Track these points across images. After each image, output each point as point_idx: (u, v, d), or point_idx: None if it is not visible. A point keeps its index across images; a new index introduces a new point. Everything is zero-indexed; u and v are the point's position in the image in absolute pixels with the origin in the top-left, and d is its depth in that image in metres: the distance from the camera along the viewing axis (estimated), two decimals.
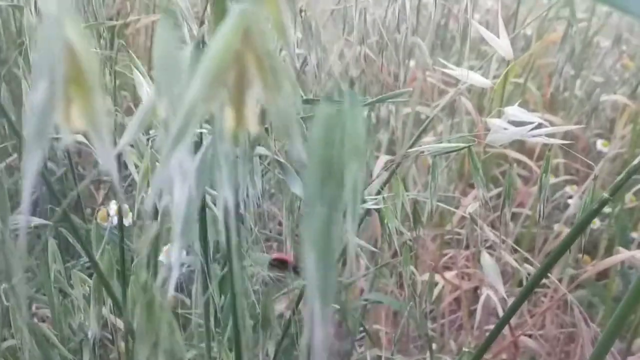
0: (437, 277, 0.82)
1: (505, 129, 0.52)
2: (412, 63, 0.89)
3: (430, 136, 0.90)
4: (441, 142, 0.53)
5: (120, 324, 0.57)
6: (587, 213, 0.38)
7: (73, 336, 0.52)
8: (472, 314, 0.98)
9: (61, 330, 0.50)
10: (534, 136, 0.53)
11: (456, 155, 0.97)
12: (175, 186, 0.15)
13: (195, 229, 0.18)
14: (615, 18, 1.57)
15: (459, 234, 0.88)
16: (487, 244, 0.59)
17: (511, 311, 0.50)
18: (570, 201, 1.24)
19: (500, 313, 0.62)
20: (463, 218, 1.00)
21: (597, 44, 1.58)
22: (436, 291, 0.87)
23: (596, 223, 1.27)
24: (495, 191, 0.97)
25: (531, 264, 0.69)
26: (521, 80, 1.10)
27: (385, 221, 0.42)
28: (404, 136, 0.82)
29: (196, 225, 0.17)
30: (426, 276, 0.81)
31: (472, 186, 1.12)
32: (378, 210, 0.43)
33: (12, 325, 0.46)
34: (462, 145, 0.43)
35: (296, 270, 0.57)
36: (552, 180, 1.15)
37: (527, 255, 0.77)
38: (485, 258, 0.54)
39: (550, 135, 0.54)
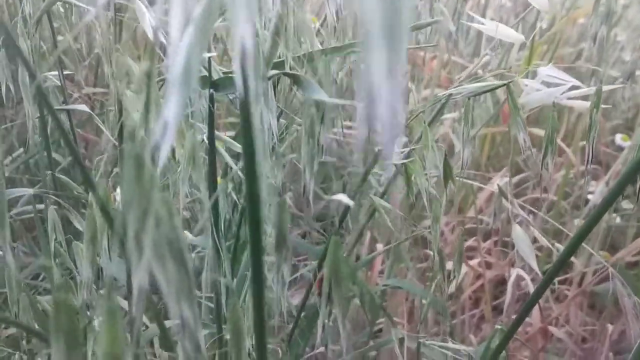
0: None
1: (538, 90, 0.48)
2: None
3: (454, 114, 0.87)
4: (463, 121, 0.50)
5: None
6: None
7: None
8: (494, 308, 0.94)
9: None
10: (568, 98, 0.49)
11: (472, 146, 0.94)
12: (172, 12, 0.12)
13: (195, 80, 0.14)
14: (632, 10, 1.53)
15: (480, 222, 0.84)
16: (517, 220, 0.56)
17: (545, 282, 0.46)
18: (590, 196, 1.20)
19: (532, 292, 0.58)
20: (485, 205, 0.96)
21: (614, 37, 1.55)
22: (456, 283, 0.83)
23: (616, 219, 1.23)
24: (517, 177, 0.93)
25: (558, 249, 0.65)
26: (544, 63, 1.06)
27: (413, 177, 0.38)
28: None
29: (197, 77, 0.14)
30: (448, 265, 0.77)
31: (488, 180, 1.08)
32: (404, 170, 0.39)
33: (9, 297, 0.43)
34: (499, 82, 0.39)
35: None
36: (574, 170, 1.11)
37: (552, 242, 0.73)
38: (517, 231, 0.51)
39: (585, 98, 0.51)
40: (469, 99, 0.38)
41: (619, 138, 1.40)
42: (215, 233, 0.49)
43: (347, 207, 0.45)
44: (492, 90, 0.39)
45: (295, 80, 0.30)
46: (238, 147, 0.36)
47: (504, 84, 0.39)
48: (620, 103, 1.39)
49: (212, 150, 0.33)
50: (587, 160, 0.40)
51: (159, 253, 0.16)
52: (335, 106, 0.32)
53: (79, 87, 1.14)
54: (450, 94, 0.39)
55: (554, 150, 0.40)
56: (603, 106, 0.49)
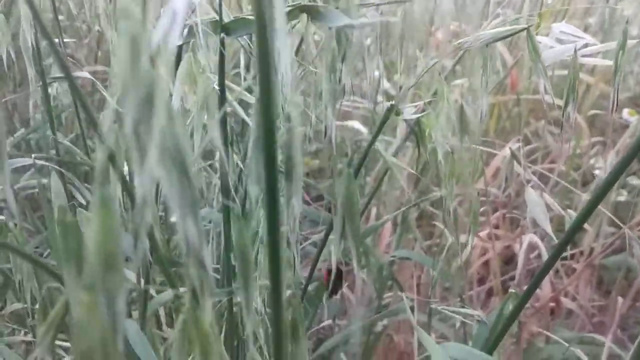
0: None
1: (552, 47, 0.47)
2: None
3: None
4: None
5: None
6: None
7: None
8: (503, 283, 0.93)
9: None
10: (583, 55, 0.48)
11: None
12: None
13: None
14: None
15: (489, 195, 0.83)
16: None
17: (556, 252, 0.45)
18: (597, 172, 1.18)
19: (545, 257, 0.57)
20: (492, 180, 0.95)
21: (621, 12, 1.53)
22: (470, 248, 0.82)
23: (623, 194, 1.22)
24: (526, 148, 0.92)
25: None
26: None
27: (427, 131, 0.37)
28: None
29: None
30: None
31: (495, 154, 1.07)
32: (416, 130, 0.38)
33: (12, 264, 0.42)
34: (519, 27, 0.38)
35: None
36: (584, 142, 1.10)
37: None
38: (530, 194, 0.50)
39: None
40: (487, 45, 0.37)
41: (626, 113, 1.39)
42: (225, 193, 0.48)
43: (365, 155, 0.43)
44: (512, 35, 0.37)
45: (314, 13, 0.29)
46: (251, 98, 0.35)
47: (524, 28, 0.38)
48: (628, 77, 1.37)
49: (222, 98, 0.32)
50: (613, 102, 0.38)
51: (161, 159, 0.14)
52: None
53: (79, 65, 1.13)
54: (474, 38, 0.37)
55: (575, 98, 0.39)
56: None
